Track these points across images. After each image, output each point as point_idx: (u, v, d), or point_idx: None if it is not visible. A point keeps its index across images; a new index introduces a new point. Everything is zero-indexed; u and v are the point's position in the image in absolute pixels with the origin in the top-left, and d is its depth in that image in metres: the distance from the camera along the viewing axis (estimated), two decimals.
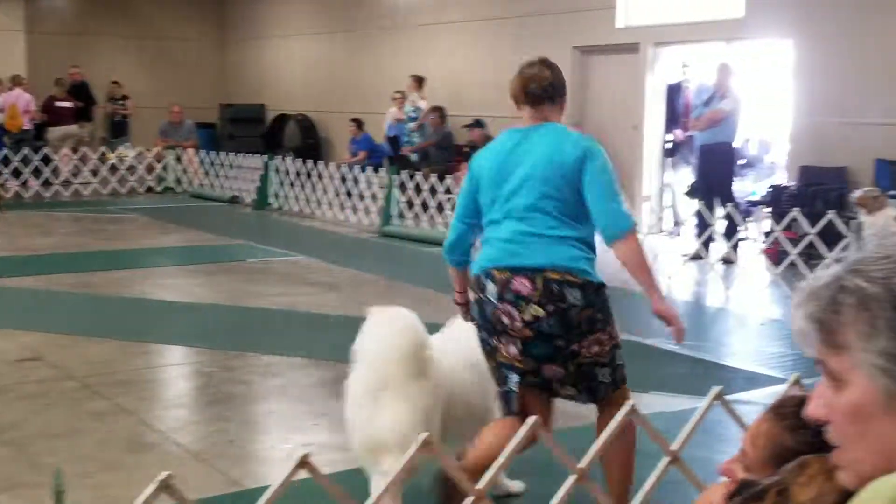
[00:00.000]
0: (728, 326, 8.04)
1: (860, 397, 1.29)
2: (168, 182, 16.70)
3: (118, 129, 18.89)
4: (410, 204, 12.74)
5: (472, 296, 3.77)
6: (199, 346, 6.76)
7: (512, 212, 3.64)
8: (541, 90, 3.73)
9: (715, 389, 3.03)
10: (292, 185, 14.48)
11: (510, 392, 3.62)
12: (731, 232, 9.85)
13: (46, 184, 15.47)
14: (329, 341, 6.98)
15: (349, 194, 13.90)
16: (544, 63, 3.82)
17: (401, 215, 12.63)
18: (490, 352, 3.67)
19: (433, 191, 12.42)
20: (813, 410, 1.37)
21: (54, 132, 17.17)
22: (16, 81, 17.15)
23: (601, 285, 3.60)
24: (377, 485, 3.33)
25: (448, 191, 12.33)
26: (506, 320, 3.55)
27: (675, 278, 9.29)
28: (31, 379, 5.85)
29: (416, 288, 8.92)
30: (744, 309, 8.24)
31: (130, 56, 20.70)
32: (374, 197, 13.24)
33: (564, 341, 3.53)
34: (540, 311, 3.50)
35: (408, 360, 3.64)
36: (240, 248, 11.29)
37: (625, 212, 3.63)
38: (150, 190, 16.43)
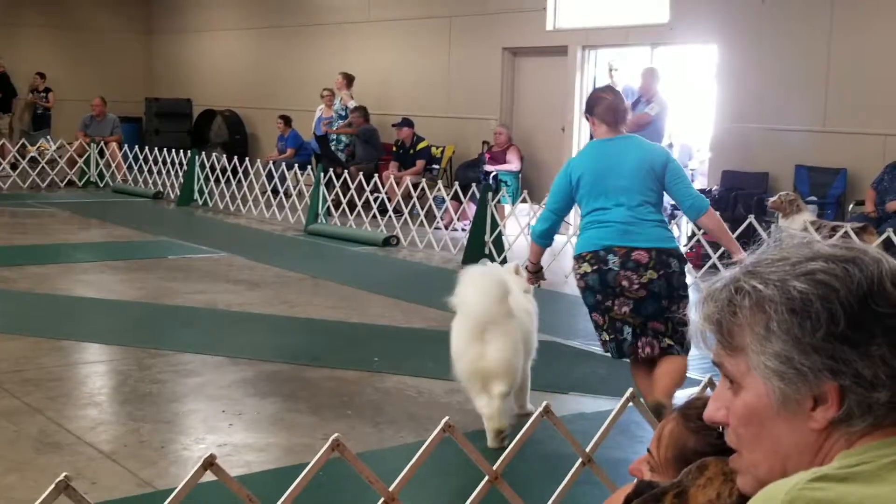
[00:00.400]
0: None
1: (755, 400, 1.28)
2: (90, 176, 16.33)
3: (39, 122, 18.45)
4: (338, 203, 12.66)
5: (587, 268, 4.79)
6: (114, 343, 6.61)
7: (622, 202, 4.79)
8: (622, 115, 5.03)
9: (629, 391, 3.03)
10: (218, 181, 14.28)
11: (624, 340, 4.79)
12: None
13: None
14: (248, 340, 6.89)
15: (276, 192, 13.76)
16: (617, 93, 5.21)
17: (328, 213, 12.54)
18: (605, 310, 4.79)
19: (361, 189, 12.36)
20: (711, 413, 1.36)
21: None
22: None
23: (684, 255, 5.09)
24: (492, 404, 4.61)
25: (376, 189, 12.27)
26: (625, 283, 4.69)
27: None
28: None
29: (341, 287, 8.85)
30: None
31: (54, 47, 20.23)
32: (300, 194, 13.12)
33: (667, 301, 4.72)
34: (654, 275, 4.69)
35: (502, 305, 4.66)
36: (161, 244, 11.09)
37: (701, 194, 5.08)
38: (71, 184, 16.06)
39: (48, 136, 17.17)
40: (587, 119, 5.14)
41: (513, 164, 13.02)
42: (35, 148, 16.15)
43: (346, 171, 13.30)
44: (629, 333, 4.77)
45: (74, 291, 8.44)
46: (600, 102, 4.98)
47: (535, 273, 5.30)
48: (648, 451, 1.86)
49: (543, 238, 5.18)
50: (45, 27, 20.25)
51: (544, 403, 2.88)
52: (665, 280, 4.70)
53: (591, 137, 5.42)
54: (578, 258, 4.88)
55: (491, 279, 4.73)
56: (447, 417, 2.65)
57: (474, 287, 4.67)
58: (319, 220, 12.22)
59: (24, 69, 18.73)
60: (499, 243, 10.17)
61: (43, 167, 15.78)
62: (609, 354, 4.98)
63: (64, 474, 2.17)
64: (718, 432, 1.58)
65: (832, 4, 10.16)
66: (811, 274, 1.24)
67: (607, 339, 4.87)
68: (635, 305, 4.70)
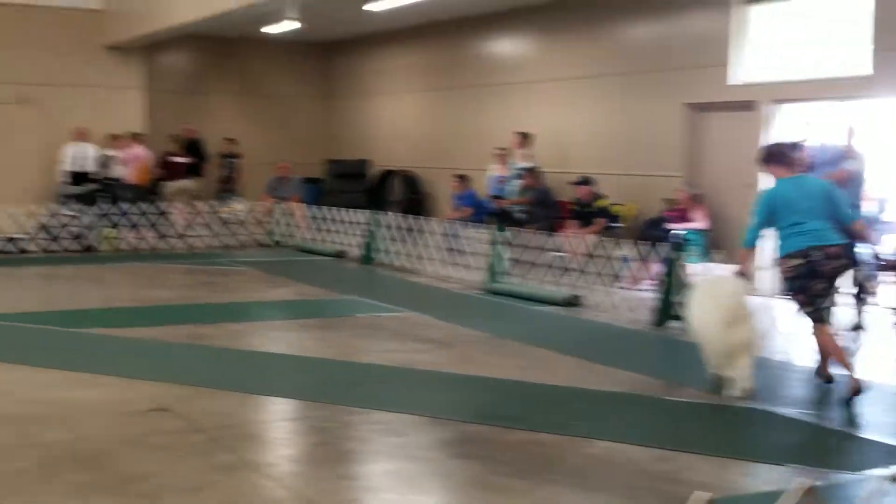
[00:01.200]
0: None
1: None
2: (276, 236, 16.94)
3: (229, 185, 19.32)
4: (517, 261, 12.63)
5: (798, 261, 6.97)
6: (314, 400, 6.71)
7: (813, 217, 7.01)
8: (797, 160, 7.61)
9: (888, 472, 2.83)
10: (397, 240, 14.52)
11: (819, 309, 7.04)
12: (860, 296, 9.52)
13: (162, 236, 15.90)
14: (446, 400, 6.88)
15: (454, 250, 13.86)
16: (786, 143, 8.08)
17: (506, 273, 12.53)
18: (807, 289, 7.00)
19: (541, 249, 12.29)
20: None
21: (170, 186, 17.76)
22: (136, 138, 17.85)
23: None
24: (745, 370, 6.85)
25: (555, 248, 12.18)
26: (825, 269, 6.94)
27: (797, 342, 8.96)
28: (161, 430, 5.86)
29: (526, 346, 8.78)
30: (873, 377, 7.87)
31: (241, 112, 21.20)
32: (478, 253, 13.17)
33: (840, 279, 7.19)
34: (841, 262, 7.05)
35: (746, 301, 7.01)
36: (348, 302, 11.31)
37: (850, 213, 7.45)
38: (259, 244, 16.68)
39: (238, 198, 17.99)
40: (765, 166, 7.46)
41: (698, 221, 12.73)
42: (227, 209, 16.91)
43: (524, 229, 13.28)
44: (821, 303, 7.00)
45: (269, 348, 8.68)
46: (783, 153, 7.45)
47: (743, 273, 7.35)
48: None
49: (750, 244, 7.37)
50: (233, 94, 21.26)
51: (807, 483, 2.72)
52: (844, 265, 7.15)
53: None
54: (788, 256, 7.06)
55: (740, 282, 7.19)
56: (711, 494, 2.52)
57: (732, 286, 7.11)
58: (499, 279, 12.23)
59: (213, 134, 19.69)
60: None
61: (233, 227, 16.48)
62: (811, 321, 7.10)
63: None
64: None
65: None
66: None
67: (809, 311, 7.04)
68: (827, 282, 7.00)
